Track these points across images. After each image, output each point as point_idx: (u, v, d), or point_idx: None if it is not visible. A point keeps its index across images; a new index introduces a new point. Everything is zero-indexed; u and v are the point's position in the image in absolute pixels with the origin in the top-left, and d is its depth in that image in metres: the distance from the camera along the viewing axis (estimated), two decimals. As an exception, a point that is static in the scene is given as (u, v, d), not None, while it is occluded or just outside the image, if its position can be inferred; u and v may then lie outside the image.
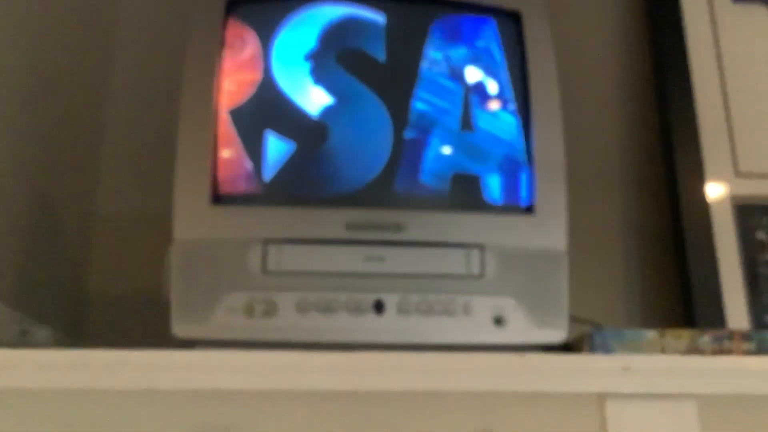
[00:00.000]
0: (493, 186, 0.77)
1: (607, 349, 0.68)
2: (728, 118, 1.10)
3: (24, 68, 0.87)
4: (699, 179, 1.05)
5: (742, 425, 0.65)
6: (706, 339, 0.69)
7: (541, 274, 0.74)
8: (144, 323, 0.92)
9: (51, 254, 0.95)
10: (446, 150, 0.77)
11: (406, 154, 0.77)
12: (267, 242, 0.73)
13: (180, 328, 0.72)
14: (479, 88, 0.79)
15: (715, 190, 1.05)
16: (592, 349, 0.68)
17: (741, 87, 1.11)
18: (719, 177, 1.06)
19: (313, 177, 0.76)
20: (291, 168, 0.76)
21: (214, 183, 0.75)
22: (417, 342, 0.72)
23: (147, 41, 1.15)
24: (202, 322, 0.72)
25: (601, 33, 1.20)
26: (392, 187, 0.76)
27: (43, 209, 0.94)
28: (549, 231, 0.75)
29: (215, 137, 0.76)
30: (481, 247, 0.74)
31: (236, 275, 0.72)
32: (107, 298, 1.04)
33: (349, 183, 0.76)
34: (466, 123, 0.78)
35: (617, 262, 1.09)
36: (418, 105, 0.78)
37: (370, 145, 0.77)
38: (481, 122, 0.78)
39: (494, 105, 0.79)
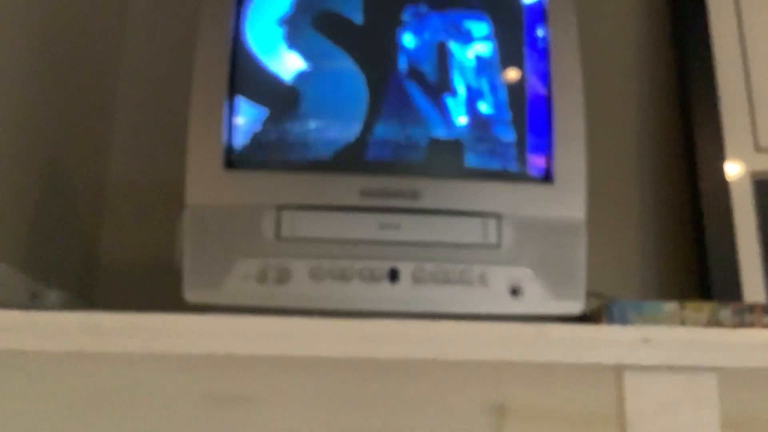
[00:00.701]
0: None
1: (625, 321, 0.67)
2: (749, 92, 1.08)
3: (37, 33, 0.86)
4: (718, 154, 1.03)
5: (762, 398, 0.64)
6: (726, 312, 0.68)
7: (558, 245, 0.72)
8: (155, 292, 0.91)
9: (62, 221, 0.94)
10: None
11: (422, 121, 0.75)
12: (281, 208, 0.72)
13: (192, 294, 0.71)
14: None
15: (734, 165, 1.03)
16: (610, 320, 0.67)
17: (763, 62, 1.09)
18: (739, 152, 1.04)
19: (327, 142, 0.74)
20: (305, 133, 0.75)
21: (228, 148, 0.74)
22: (431, 311, 0.71)
23: (160, 4, 1.13)
24: (214, 288, 0.71)
25: (621, 6, 1.18)
26: (409, 154, 0.74)
27: (55, 175, 0.93)
28: (568, 200, 0.74)
29: (229, 101, 0.74)
30: (498, 217, 0.73)
31: (249, 241, 0.71)
32: (119, 266, 1.04)
33: (366, 149, 0.74)
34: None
35: (633, 236, 1.08)
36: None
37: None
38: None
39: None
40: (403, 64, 0.76)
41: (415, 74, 0.76)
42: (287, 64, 0.76)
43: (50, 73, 0.90)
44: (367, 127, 0.75)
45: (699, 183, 1.02)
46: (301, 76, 0.76)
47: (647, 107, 1.14)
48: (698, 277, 1.00)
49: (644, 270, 1.07)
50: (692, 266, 1.02)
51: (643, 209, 1.09)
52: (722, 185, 1.02)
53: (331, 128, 0.75)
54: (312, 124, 0.75)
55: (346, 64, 0.76)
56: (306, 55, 0.76)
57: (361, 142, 0.75)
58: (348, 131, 0.75)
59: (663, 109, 1.13)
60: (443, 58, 0.77)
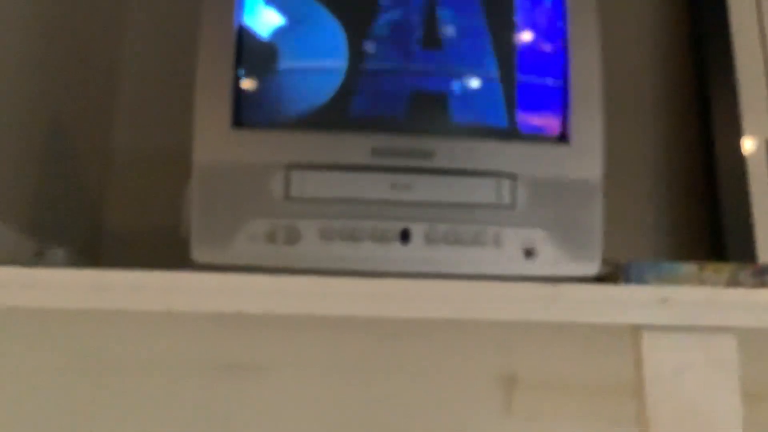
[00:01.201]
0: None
1: (642, 282, 0.66)
2: (766, 61, 1.06)
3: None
4: (734, 123, 1.02)
5: (783, 359, 0.62)
6: (746, 274, 0.66)
7: (574, 206, 0.71)
8: (160, 259, 0.90)
9: (67, 186, 0.93)
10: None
11: (433, 78, 0.74)
12: (290, 167, 0.70)
13: (199, 253, 0.69)
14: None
15: (750, 135, 1.02)
16: (627, 281, 0.66)
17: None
18: (755, 121, 1.03)
19: (338, 100, 0.73)
20: (317, 90, 0.73)
21: (236, 106, 0.72)
22: (443, 272, 0.69)
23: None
24: (222, 248, 0.69)
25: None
26: (420, 112, 0.73)
27: (60, 140, 0.92)
28: (584, 161, 0.72)
29: (236, 58, 0.73)
30: (512, 177, 0.71)
31: (258, 201, 0.70)
32: (123, 232, 1.02)
33: (375, 106, 0.73)
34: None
35: (646, 201, 1.07)
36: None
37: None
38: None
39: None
40: (416, 18, 0.74)
41: (430, 29, 0.74)
42: (296, 19, 0.74)
43: (54, 37, 0.89)
44: (378, 84, 0.73)
45: (714, 148, 1.01)
46: (310, 33, 0.74)
47: (663, 74, 1.12)
48: (712, 243, 0.99)
49: (657, 236, 1.05)
50: (706, 235, 1.01)
51: (657, 174, 1.08)
52: (737, 150, 1.01)
53: (342, 86, 0.73)
54: (322, 83, 0.73)
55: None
56: (318, 8, 0.74)
57: (372, 99, 0.73)
58: (358, 88, 0.73)
59: (679, 75, 1.12)
60: (450, 13, 0.75)
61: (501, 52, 0.75)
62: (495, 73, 0.74)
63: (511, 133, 0.73)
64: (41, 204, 0.85)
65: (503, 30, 0.75)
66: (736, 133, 1.02)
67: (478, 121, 0.73)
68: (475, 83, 0.74)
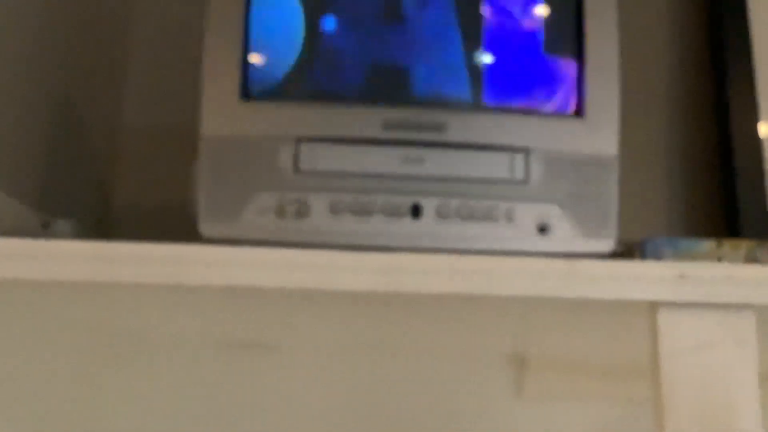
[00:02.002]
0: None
1: (659, 259, 0.64)
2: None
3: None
4: (751, 108, 1.00)
5: (802, 337, 0.61)
6: (764, 250, 0.65)
7: (589, 181, 0.70)
8: (168, 235, 0.90)
9: (75, 162, 0.92)
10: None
11: (447, 53, 0.72)
12: (299, 140, 0.69)
13: (208, 228, 0.68)
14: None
15: (767, 114, 1.00)
16: (644, 257, 0.64)
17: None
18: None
19: (349, 73, 0.71)
20: (326, 62, 0.72)
21: (244, 78, 0.71)
22: (455, 248, 0.68)
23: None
24: (230, 222, 0.68)
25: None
26: (433, 85, 0.71)
27: (68, 115, 0.91)
28: (599, 135, 0.70)
29: (245, 29, 0.71)
30: (526, 151, 0.70)
31: (267, 174, 0.69)
32: (132, 207, 1.02)
33: (388, 80, 0.71)
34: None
35: (661, 182, 1.05)
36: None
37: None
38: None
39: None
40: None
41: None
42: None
43: (63, 11, 0.88)
44: (390, 57, 0.72)
45: (730, 128, 0.99)
46: (317, 6, 0.73)
47: (680, 51, 1.11)
48: (727, 223, 0.97)
49: (672, 215, 1.04)
50: (721, 213, 0.99)
51: (673, 154, 1.07)
52: (754, 131, 0.99)
53: (352, 58, 0.72)
54: (332, 54, 0.72)
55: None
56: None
57: (384, 72, 0.71)
58: (369, 61, 0.72)
59: (696, 53, 1.10)
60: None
61: (515, 28, 0.73)
62: (508, 48, 0.73)
63: (525, 107, 0.72)
64: (49, 178, 0.84)
65: (521, 8, 0.74)
66: (753, 114, 1.00)
67: (490, 94, 0.72)
68: (488, 59, 0.72)
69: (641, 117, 1.06)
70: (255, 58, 0.72)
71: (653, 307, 0.60)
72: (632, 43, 1.06)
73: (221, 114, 0.70)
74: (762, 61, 1.02)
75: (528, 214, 0.69)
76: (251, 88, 0.71)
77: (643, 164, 1.05)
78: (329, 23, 0.72)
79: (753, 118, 0.99)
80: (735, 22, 1.03)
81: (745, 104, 1.00)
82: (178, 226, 0.74)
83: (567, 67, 0.73)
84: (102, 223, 0.99)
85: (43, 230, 0.66)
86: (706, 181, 1.05)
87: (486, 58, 0.72)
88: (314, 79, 0.72)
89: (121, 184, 1.02)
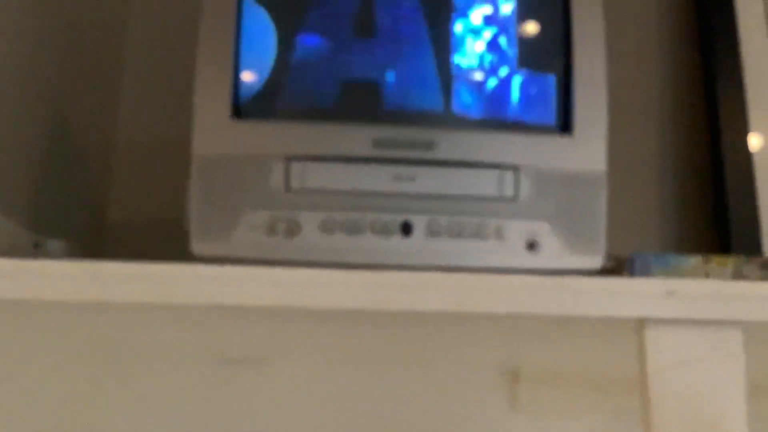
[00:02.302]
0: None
1: (647, 275, 0.65)
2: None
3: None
4: (741, 122, 1.01)
5: (789, 354, 0.61)
6: (752, 266, 0.65)
7: (578, 198, 0.70)
8: (163, 251, 0.90)
9: (70, 178, 0.93)
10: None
11: (437, 72, 0.73)
12: (290, 159, 0.70)
13: (199, 246, 0.69)
14: None
15: (757, 131, 1.01)
16: (632, 274, 0.65)
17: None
18: (762, 120, 1.02)
19: (339, 91, 0.72)
20: (315, 81, 0.72)
21: (235, 97, 0.71)
22: (445, 265, 0.68)
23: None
24: (222, 241, 0.69)
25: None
26: (423, 103, 0.72)
27: (62, 132, 0.91)
28: (588, 152, 0.71)
29: (237, 48, 0.72)
30: (515, 168, 0.70)
31: (258, 192, 0.69)
32: (126, 224, 1.02)
33: (378, 98, 0.72)
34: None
35: (652, 197, 1.06)
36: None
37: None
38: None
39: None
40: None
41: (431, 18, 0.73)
42: (293, 11, 0.73)
43: (56, 29, 0.88)
44: (379, 75, 0.72)
45: (721, 142, 1.00)
46: (307, 24, 0.73)
47: (671, 69, 1.11)
48: (719, 239, 0.98)
49: (663, 230, 1.04)
50: (712, 228, 1.00)
51: (664, 169, 1.07)
52: (744, 145, 1.00)
53: (343, 76, 0.72)
54: (323, 73, 0.72)
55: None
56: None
57: (374, 90, 0.72)
58: (359, 79, 0.72)
59: (686, 74, 1.11)
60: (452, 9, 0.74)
61: (503, 44, 0.74)
62: (497, 64, 0.73)
63: (513, 124, 0.72)
64: (42, 196, 0.85)
65: (508, 23, 0.75)
66: (743, 128, 1.01)
67: (480, 112, 0.73)
68: (477, 76, 0.73)
69: (633, 132, 1.07)
70: (246, 77, 0.72)
71: (641, 323, 0.61)
72: (622, 58, 1.07)
73: (212, 133, 0.71)
74: (752, 75, 1.03)
75: (517, 231, 0.70)
76: (242, 106, 0.71)
77: (634, 179, 1.05)
78: (313, 41, 0.73)
79: (743, 133, 1.00)
80: (725, 37, 1.04)
81: (735, 119, 1.01)
82: (173, 242, 0.75)
83: (555, 83, 0.73)
84: (96, 239, 0.99)
85: (35, 250, 0.66)
86: (697, 195, 1.06)
87: (475, 76, 0.73)
88: (304, 97, 0.72)
89: (116, 200, 1.03)
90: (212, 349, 0.67)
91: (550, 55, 0.74)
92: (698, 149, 1.07)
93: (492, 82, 0.73)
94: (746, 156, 1.00)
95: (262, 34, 0.73)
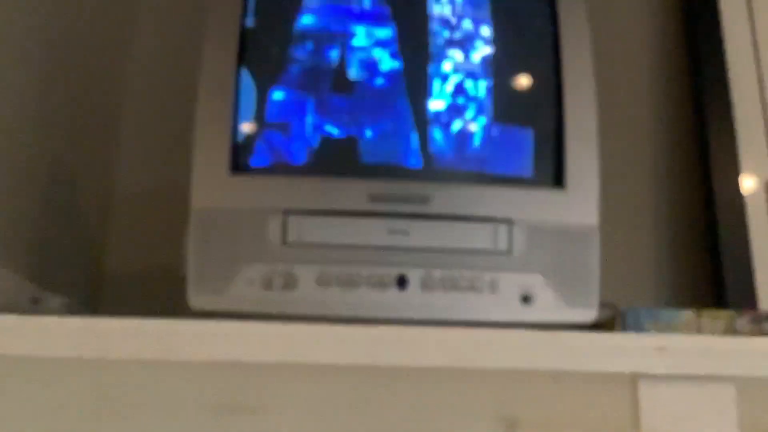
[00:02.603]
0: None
1: (640, 329, 0.66)
2: (763, 103, 1.07)
3: (45, 39, 0.86)
4: (733, 165, 1.03)
5: (782, 409, 0.62)
6: (743, 321, 0.66)
7: (571, 251, 0.71)
8: (162, 300, 0.90)
9: (68, 228, 0.93)
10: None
11: (431, 125, 0.74)
12: (287, 213, 0.71)
13: (197, 300, 0.69)
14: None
15: (749, 176, 1.02)
16: (624, 328, 0.66)
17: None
18: (753, 163, 1.03)
19: (336, 146, 0.73)
20: (314, 137, 0.73)
21: (234, 152, 0.73)
22: (440, 318, 0.69)
23: (168, 11, 1.12)
24: (219, 294, 0.69)
25: (635, 13, 1.17)
26: (418, 159, 0.73)
27: (61, 182, 0.92)
28: (580, 206, 0.72)
29: (235, 104, 0.73)
30: (509, 222, 0.71)
31: (255, 246, 0.70)
32: (125, 273, 1.02)
33: (373, 153, 0.73)
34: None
35: (647, 244, 1.07)
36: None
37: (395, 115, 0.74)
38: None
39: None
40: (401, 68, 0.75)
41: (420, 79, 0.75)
42: (292, 70, 0.75)
43: (57, 79, 0.90)
44: (374, 130, 0.74)
45: (714, 192, 1.01)
46: (308, 80, 0.75)
47: (662, 116, 1.13)
48: (713, 287, 0.98)
49: (658, 279, 1.05)
50: (707, 276, 1.01)
51: (658, 218, 1.08)
52: (737, 195, 1.01)
53: (339, 132, 0.73)
54: (319, 129, 0.73)
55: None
56: (305, 59, 0.75)
57: (368, 145, 0.73)
58: (356, 135, 0.73)
59: (678, 118, 1.12)
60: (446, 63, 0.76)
61: (498, 99, 0.75)
62: (489, 120, 0.75)
63: (506, 179, 0.73)
64: (41, 247, 0.85)
65: (502, 77, 0.76)
66: (735, 174, 1.02)
67: (473, 167, 0.74)
68: (470, 128, 0.74)
69: (626, 182, 1.08)
70: (244, 132, 0.73)
71: (634, 378, 0.61)
72: (614, 109, 1.09)
73: (211, 187, 0.72)
74: (743, 123, 1.04)
75: (511, 284, 0.70)
76: (240, 161, 0.73)
77: (629, 228, 1.06)
78: (306, 99, 0.74)
79: (735, 181, 1.01)
80: (715, 82, 1.06)
81: (727, 167, 1.02)
82: (172, 292, 0.75)
83: (547, 139, 0.74)
84: (95, 289, 1.00)
85: (34, 306, 0.67)
86: (692, 243, 1.06)
87: (469, 130, 0.74)
88: (299, 152, 0.73)
89: (115, 251, 1.03)
90: (208, 401, 0.67)
91: (543, 112, 0.75)
92: (691, 196, 1.07)
93: (485, 137, 0.74)
94: (739, 202, 1.01)
95: (261, 89, 0.74)
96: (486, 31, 0.77)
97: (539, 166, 0.74)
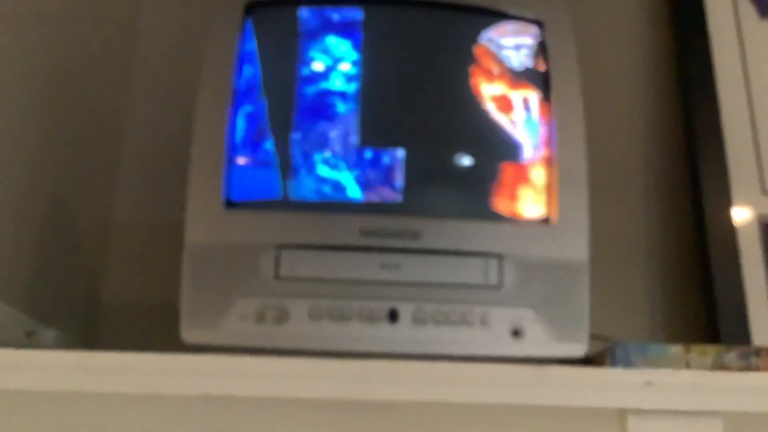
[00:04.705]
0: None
1: (628, 364, 0.66)
2: (755, 136, 1.08)
3: (44, 72, 0.87)
4: (725, 198, 1.03)
5: (770, 445, 0.62)
6: (732, 355, 0.66)
7: (561, 286, 0.72)
8: (158, 333, 0.91)
9: (65, 260, 0.94)
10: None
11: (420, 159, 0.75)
12: (280, 247, 0.71)
13: (189, 334, 0.70)
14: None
15: (741, 209, 1.03)
16: (614, 363, 0.66)
17: (768, 105, 1.09)
18: (745, 195, 1.04)
19: (328, 182, 0.74)
20: (305, 173, 0.74)
21: (228, 187, 0.74)
22: (431, 353, 0.70)
23: (168, 47, 1.14)
24: (212, 328, 0.70)
25: (626, 51, 1.18)
26: (409, 194, 0.74)
27: (59, 214, 0.93)
28: (570, 241, 0.73)
29: (229, 141, 0.74)
30: (499, 257, 0.72)
31: (248, 280, 0.71)
32: (122, 306, 1.03)
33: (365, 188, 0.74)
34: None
35: (639, 278, 1.07)
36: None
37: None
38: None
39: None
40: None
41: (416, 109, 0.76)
42: (284, 109, 0.76)
43: (57, 113, 0.91)
44: (366, 165, 0.75)
45: (706, 226, 1.01)
46: (300, 120, 0.76)
47: (653, 148, 1.14)
48: (706, 321, 0.99)
49: (651, 313, 1.05)
50: (700, 310, 1.01)
51: (650, 251, 1.08)
52: (729, 228, 1.01)
53: (330, 170, 0.75)
54: (310, 165, 0.75)
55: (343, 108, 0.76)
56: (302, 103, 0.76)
57: (360, 181, 0.74)
58: (347, 171, 0.74)
59: (669, 151, 1.13)
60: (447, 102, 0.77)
61: (488, 136, 0.76)
62: (479, 155, 0.76)
63: (496, 214, 0.74)
64: (38, 281, 0.86)
65: (483, 119, 0.77)
66: (727, 206, 1.03)
67: (464, 202, 0.75)
68: (462, 164, 0.75)
69: (617, 216, 1.09)
70: (238, 167, 0.74)
71: (622, 413, 0.62)
72: (606, 143, 1.10)
73: (205, 221, 0.73)
74: (734, 156, 1.05)
75: (502, 318, 0.71)
76: (234, 196, 0.73)
77: (621, 265, 1.06)
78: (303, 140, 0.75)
79: (727, 213, 1.02)
80: (706, 112, 1.07)
81: (718, 200, 1.03)
82: (167, 324, 0.76)
83: (537, 174, 0.75)
84: (92, 321, 1.00)
85: (28, 339, 0.68)
86: (684, 276, 1.07)
87: (460, 165, 0.75)
88: (293, 188, 0.74)
89: (111, 284, 1.04)
90: (194, 429, 0.68)
91: (532, 147, 0.76)
92: (682, 228, 1.08)
93: (475, 172, 0.75)
94: (731, 235, 1.02)
95: (253, 127, 0.76)
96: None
97: (529, 201, 0.75)
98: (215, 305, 0.70)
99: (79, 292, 0.97)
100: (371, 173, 0.74)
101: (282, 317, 0.70)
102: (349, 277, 0.71)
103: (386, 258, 0.71)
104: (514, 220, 0.74)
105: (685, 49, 1.12)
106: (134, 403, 0.63)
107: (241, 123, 0.75)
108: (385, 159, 0.75)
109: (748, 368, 0.65)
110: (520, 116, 0.77)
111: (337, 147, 0.75)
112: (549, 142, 0.76)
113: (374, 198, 0.74)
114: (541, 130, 0.77)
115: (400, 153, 0.75)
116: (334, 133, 0.75)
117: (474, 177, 0.75)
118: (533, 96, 0.78)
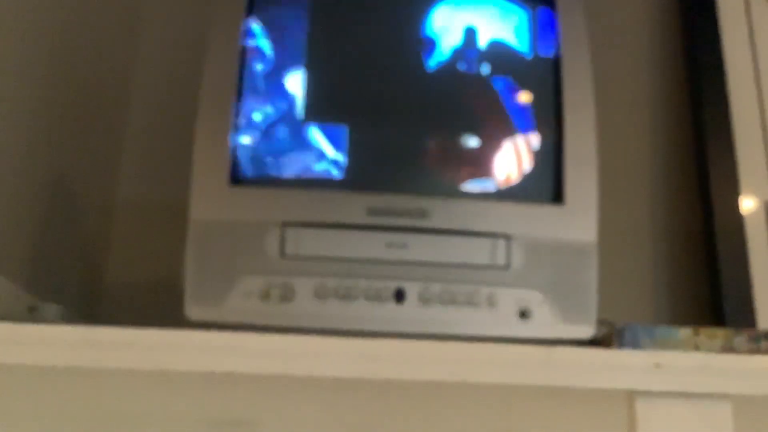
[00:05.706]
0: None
1: (637, 346, 0.65)
2: (763, 124, 1.07)
3: (48, 51, 0.86)
4: (732, 184, 1.03)
5: (778, 428, 0.61)
6: (741, 339, 0.66)
7: (569, 267, 0.71)
8: (161, 311, 0.90)
9: (68, 239, 0.93)
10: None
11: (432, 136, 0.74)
12: (285, 225, 0.71)
13: (194, 311, 0.69)
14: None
15: (748, 196, 1.02)
16: (622, 345, 0.65)
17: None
18: (753, 183, 1.03)
19: (335, 159, 0.74)
20: (312, 149, 0.74)
21: (233, 164, 0.73)
22: (438, 333, 0.69)
23: (172, 24, 1.13)
24: (216, 306, 0.69)
25: (636, 39, 1.17)
26: (417, 172, 0.73)
27: (62, 191, 0.92)
28: (579, 222, 0.72)
29: (235, 117, 0.74)
30: (507, 237, 0.71)
31: (253, 258, 0.70)
32: (125, 285, 1.02)
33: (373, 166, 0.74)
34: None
35: (646, 262, 1.06)
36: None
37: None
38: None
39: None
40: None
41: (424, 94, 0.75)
42: (293, 83, 0.75)
43: (60, 91, 0.90)
44: (375, 143, 0.74)
45: (713, 212, 1.01)
46: (308, 93, 0.75)
47: (662, 135, 1.13)
48: (712, 306, 0.98)
49: (657, 297, 1.05)
50: (706, 296, 1.00)
51: (657, 236, 1.08)
52: (736, 215, 1.01)
53: (338, 146, 0.74)
54: (318, 142, 0.74)
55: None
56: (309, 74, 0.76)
57: (368, 158, 0.74)
58: (356, 148, 0.74)
59: (678, 138, 1.12)
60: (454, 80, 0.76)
61: (494, 116, 0.76)
62: (490, 133, 0.75)
63: (505, 194, 0.73)
64: (39, 256, 0.85)
65: (507, 93, 0.76)
66: (734, 194, 1.02)
67: (472, 181, 0.74)
68: (470, 143, 0.74)
69: (625, 200, 1.08)
70: (244, 145, 0.74)
71: (630, 395, 0.61)
72: (614, 126, 1.09)
73: (210, 198, 0.72)
74: (742, 144, 1.04)
75: (509, 299, 0.70)
76: (240, 173, 0.73)
77: (627, 246, 1.06)
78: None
79: (734, 201, 1.01)
80: (715, 101, 1.06)
81: (726, 186, 1.02)
82: (170, 303, 0.75)
83: (547, 154, 0.75)
84: (94, 300, 1.00)
85: (30, 314, 0.67)
86: (691, 262, 1.06)
87: (468, 144, 0.74)
88: (299, 165, 0.73)
89: (114, 261, 1.03)
90: (205, 412, 0.67)
91: (542, 127, 0.75)
92: (690, 215, 1.07)
93: (484, 152, 0.74)
94: (738, 222, 1.01)
95: (261, 104, 0.75)
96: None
97: (538, 181, 0.74)
98: (220, 283, 0.70)
99: (82, 269, 0.97)
100: (378, 151, 0.74)
101: (287, 295, 0.69)
102: (356, 256, 0.70)
103: (393, 237, 0.71)
104: (522, 201, 0.73)
105: (695, 36, 1.11)
106: (138, 379, 0.62)
107: (248, 98, 0.74)
108: (392, 137, 0.74)
109: (758, 351, 0.65)
110: (530, 97, 0.76)
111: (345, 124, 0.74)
112: (559, 124, 0.75)
113: (381, 176, 0.73)
114: (552, 112, 0.76)
115: (409, 131, 0.74)
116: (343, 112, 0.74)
117: (483, 157, 0.74)
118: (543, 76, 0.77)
